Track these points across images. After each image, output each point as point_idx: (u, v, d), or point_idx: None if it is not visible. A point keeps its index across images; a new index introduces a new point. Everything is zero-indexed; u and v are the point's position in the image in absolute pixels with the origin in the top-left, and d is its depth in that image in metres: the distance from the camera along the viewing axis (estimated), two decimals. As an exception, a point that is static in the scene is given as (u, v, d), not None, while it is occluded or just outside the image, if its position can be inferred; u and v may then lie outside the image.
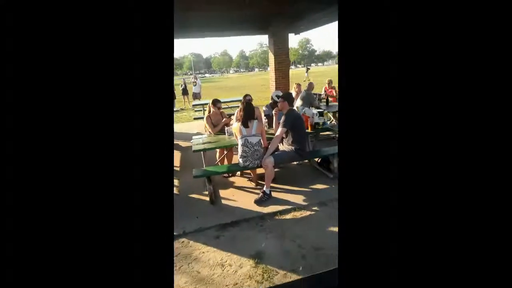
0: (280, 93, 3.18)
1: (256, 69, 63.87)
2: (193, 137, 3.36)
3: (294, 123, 2.73)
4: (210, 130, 3.37)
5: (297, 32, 6.92)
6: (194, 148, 2.87)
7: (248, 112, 2.65)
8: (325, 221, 2.32)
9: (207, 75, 59.20)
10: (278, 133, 2.73)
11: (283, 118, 2.74)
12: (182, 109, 10.40)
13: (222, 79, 38.16)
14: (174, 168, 3.86)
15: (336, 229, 2.20)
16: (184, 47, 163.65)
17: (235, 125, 2.71)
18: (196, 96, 10.90)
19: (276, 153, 2.75)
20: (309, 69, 22.34)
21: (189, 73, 44.56)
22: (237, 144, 2.73)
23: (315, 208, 2.54)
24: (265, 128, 3.43)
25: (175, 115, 9.17)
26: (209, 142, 3.01)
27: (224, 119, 3.42)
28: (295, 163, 3.30)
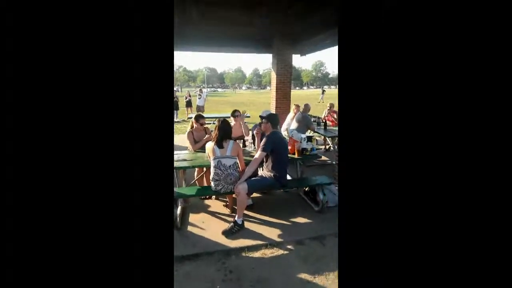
0: (270, 112, 2.95)
1: (268, 87, 64.84)
2: (171, 152, 3.14)
3: (275, 147, 2.47)
4: (190, 146, 3.15)
5: (303, 53, 6.84)
6: (164, 165, 2.62)
7: (224, 131, 2.41)
8: (296, 265, 1.99)
9: (219, 89, 60.34)
10: (256, 156, 2.46)
11: (263, 140, 2.49)
12: (184, 120, 10.35)
13: (233, 95, 38.77)
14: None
15: (306, 276, 1.86)
16: (199, 61, 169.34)
17: (209, 145, 2.47)
18: (200, 109, 10.88)
19: (252, 179, 2.47)
20: (325, 91, 22.17)
21: (202, 86, 45.83)
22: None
23: (290, 246, 2.21)
24: (251, 149, 3.18)
25: (175, 126, 9.10)
26: (184, 160, 2.76)
27: (207, 135, 3.20)
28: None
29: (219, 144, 2.39)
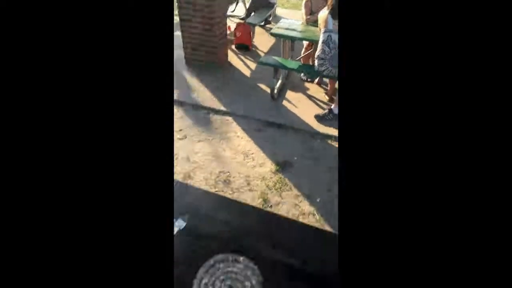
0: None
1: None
2: (282, 19, 2.85)
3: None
4: (304, 17, 2.75)
5: None
6: (272, 30, 2.45)
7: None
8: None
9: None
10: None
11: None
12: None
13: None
14: (262, 50, 3.64)
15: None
16: None
17: (322, 13, 2.03)
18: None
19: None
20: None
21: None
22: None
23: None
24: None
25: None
26: (293, 30, 2.49)
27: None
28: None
29: (334, 14, 1.93)
